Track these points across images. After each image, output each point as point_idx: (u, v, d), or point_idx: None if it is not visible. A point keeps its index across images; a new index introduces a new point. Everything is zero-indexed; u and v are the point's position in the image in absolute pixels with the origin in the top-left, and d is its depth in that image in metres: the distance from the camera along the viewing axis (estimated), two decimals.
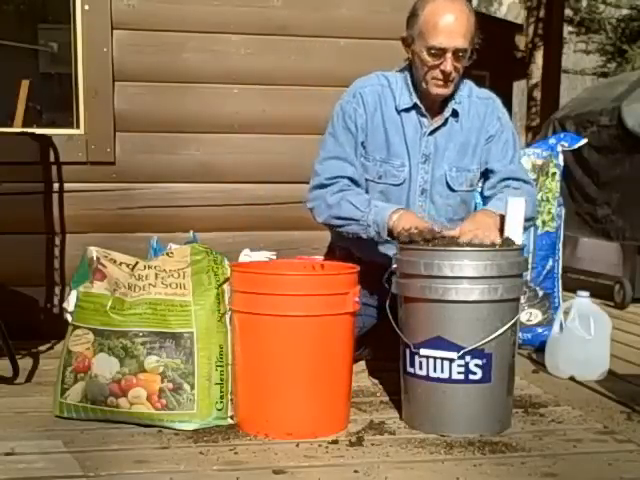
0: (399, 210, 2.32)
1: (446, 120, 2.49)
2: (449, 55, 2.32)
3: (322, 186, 2.47)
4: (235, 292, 2.08)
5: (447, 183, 2.51)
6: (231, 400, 2.10)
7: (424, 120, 2.48)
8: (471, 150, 2.52)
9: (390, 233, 2.29)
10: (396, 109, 2.47)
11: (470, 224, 2.22)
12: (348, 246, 2.62)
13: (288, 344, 2.00)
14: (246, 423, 2.05)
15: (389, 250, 2.33)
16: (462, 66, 2.38)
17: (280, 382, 2.02)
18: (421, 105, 2.46)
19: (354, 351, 2.14)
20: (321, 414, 2.03)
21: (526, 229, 2.60)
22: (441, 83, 2.38)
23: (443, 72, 2.35)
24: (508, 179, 2.48)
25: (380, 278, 2.14)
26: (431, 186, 2.50)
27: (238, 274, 2.09)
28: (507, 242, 2.14)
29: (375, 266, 2.26)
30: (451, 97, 2.47)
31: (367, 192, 2.50)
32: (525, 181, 2.53)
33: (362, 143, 2.49)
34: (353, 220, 2.39)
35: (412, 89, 2.47)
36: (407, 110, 2.47)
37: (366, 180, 2.51)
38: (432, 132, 2.49)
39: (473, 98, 2.53)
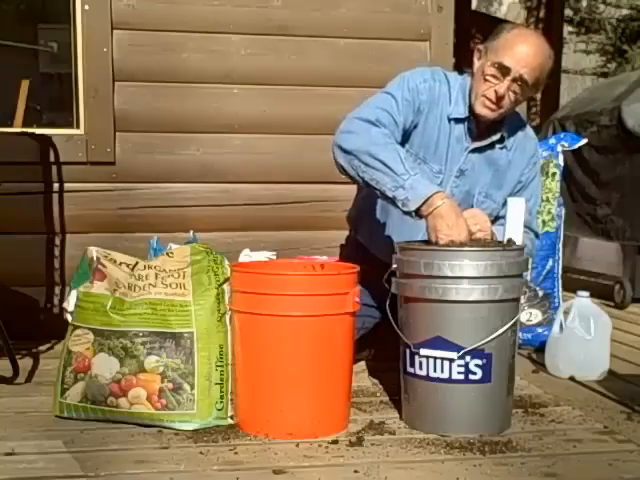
0: (442, 194, 2.14)
1: (492, 143, 2.43)
2: (509, 78, 2.26)
3: (370, 122, 2.25)
4: (235, 292, 2.07)
5: (472, 206, 2.42)
6: (231, 400, 2.09)
7: (470, 136, 2.41)
8: (505, 184, 2.47)
9: (417, 211, 2.13)
10: (448, 116, 2.39)
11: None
12: (356, 223, 2.61)
13: (288, 344, 2.00)
14: (246, 423, 2.05)
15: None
16: (515, 100, 2.31)
17: (280, 382, 2.02)
18: (473, 120, 2.39)
19: (354, 351, 2.14)
20: (321, 414, 2.03)
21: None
22: (489, 104, 2.31)
23: (496, 93, 2.28)
24: None
25: (380, 278, 2.14)
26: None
27: (238, 274, 2.09)
28: (508, 242, 2.14)
29: (375, 266, 2.26)
30: (502, 123, 2.40)
31: None
32: (535, 233, 2.52)
33: (409, 127, 2.36)
34: (390, 170, 2.14)
35: (468, 101, 2.38)
36: (457, 120, 2.39)
37: None
38: (473, 150, 2.42)
39: (520, 133, 2.47)
